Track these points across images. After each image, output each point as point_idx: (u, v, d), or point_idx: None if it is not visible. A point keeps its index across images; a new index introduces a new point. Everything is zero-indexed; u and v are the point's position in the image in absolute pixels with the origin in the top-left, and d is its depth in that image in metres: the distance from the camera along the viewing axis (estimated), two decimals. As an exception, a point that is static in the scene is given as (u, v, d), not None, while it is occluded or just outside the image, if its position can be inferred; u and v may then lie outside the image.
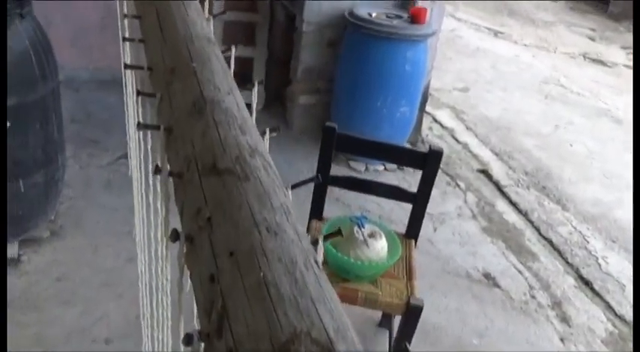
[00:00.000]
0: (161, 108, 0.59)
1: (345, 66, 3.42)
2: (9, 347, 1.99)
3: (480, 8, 7.79)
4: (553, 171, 3.84)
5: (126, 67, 0.70)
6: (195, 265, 0.42)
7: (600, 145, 4.34)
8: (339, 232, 0.55)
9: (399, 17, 3.29)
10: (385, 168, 3.55)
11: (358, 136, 2.05)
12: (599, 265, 2.93)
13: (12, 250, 2.39)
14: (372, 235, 1.90)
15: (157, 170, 0.51)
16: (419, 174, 2.04)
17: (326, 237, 0.51)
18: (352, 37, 3.31)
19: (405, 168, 3.53)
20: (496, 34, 6.89)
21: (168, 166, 0.52)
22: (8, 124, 2.15)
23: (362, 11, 3.30)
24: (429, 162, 1.99)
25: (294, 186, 0.52)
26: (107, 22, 4.00)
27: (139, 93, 0.63)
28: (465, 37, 6.55)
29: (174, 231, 0.44)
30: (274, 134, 0.61)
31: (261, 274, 0.35)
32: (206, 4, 0.83)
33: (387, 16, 3.29)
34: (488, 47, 6.33)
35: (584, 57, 6.53)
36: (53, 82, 2.34)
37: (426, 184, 2.05)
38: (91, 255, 2.49)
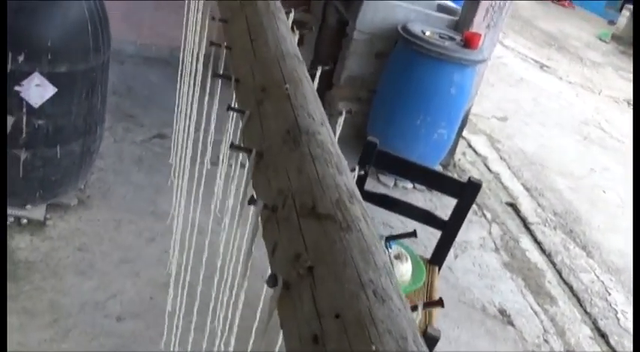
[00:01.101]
0: (250, 127, 0.58)
1: (389, 79, 3.40)
2: (24, 307, 2.01)
3: (529, 39, 7.71)
4: (582, 216, 3.77)
5: (215, 75, 0.68)
6: (291, 317, 0.40)
7: (633, 196, 4.26)
8: (440, 302, 0.53)
9: (452, 39, 3.26)
10: (414, 187, 3.51)
11: (399, 156, 2.03)
12: (618, 319, 2.86)
13: (40, 212, 2.42)
14: (397, 257, 1.88)
15: (252, 200, 0.49)
16: (446, 197, 2.01)
17: (425, 305, 0.49)
18: (402, 51, 3.29)
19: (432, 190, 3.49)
20: (542, 66, 6.80)
21: (253, 192, 0.51)
22: (55, 90, 2.17)
23: (416, 28, 3.27)
24: (466, 192, 1.97)
25: (388, 239, 0.51)
26: (162, 3, 4.03)
27: (229, 108, 0.61)
28: (510, 66, 6.48)
29: (274, 276, 0.42)
30: (362, 173, 0.59)
31: (373, 347, 0.34)
32: (291, 16, 0.82)
33: (440, 36, 3.26)
34: (532, 79, 6.25)
35: (628, 103, 6.41)
36: (104, 56, 2.35)
37: (459, 214, 2.02)
38: (113, 230, 2.51)
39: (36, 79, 2.10)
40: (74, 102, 2.26)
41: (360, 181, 2.04)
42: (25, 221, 2.37)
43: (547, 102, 5.72)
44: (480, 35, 3.19)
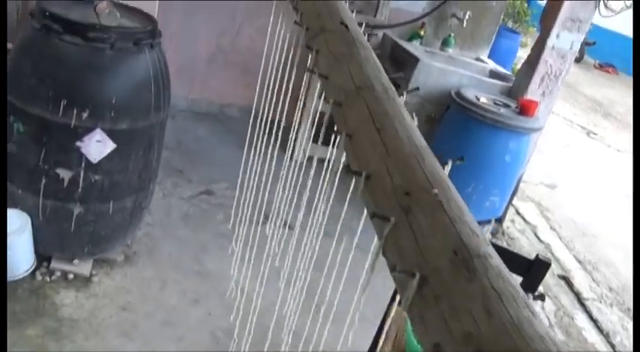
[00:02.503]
0: (397, 239, 0.51)
1: (441, 144, 3.33)
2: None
3: (574, 105, 7.62)
4: (641, 294, 3.55)
5: (350, 170, 0.63)
6: None
7: (694, 274, 4.01)
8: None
9: (507, 106, 3.20)
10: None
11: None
12: (689, 414, 2.62)
13: (86, 268, 2.38)
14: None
15: (434, 346, 0.42)
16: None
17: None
18: (455, 117, 3.24)
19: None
20: (589, 133, 6.68)
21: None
22: (114, 146, 2.17)
23: (469, 93, 3.24)
24: (533, 271, 1.85)
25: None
26: (216, 57, 4.12)
27: (374, 214, 0.55)
28: (557, 132, 6.37)
29: None
30: (540, 301, 0.52)
31: None
32: (403, 98, 0.77)
33: (495, 103, 3.21)
34: (579, 146, 6.12)
35: (680, 173, 6.19)
36: (164, 113, 2.37)
37: (525, 293, 1.90)
38: (157, 289, 2.45)
39: (98, 135, 2.11)
40: (131, 159, 2.26)
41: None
42: (71, 276, 2.34)
43: (596, 171, 5.57)
44: (537, 103, 3.13)
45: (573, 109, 7.35)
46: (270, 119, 1.92)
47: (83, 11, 2.15)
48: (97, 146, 2.14)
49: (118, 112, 2.12)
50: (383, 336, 1.76)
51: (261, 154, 1.75)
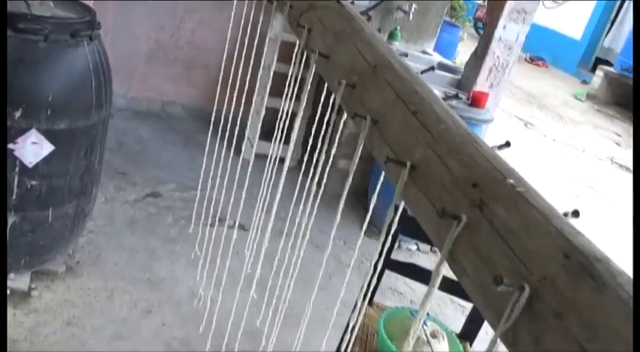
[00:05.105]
0: (475, 241, 0.40)
1: (393, 137, 3.31)
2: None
3: (510, 97, 7.83)
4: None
5: (389, 160, 0.52)
6: None
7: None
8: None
9: (458, 98, 3.20)
10: (418, 248, 3.37)
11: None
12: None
13: (24, 282, 2.18)
14: (434, 335, 1.71)
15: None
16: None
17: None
18: (407, 109, 3.21)
19: (437, 251, 3.35)
20: (526, 124, 6.88)
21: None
22: (52, 148, 1.99)
23: (420, 86, 3.21)
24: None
25: None
26: (155, 53, 3.92)
27: (443, 212, 0.44)
28: (498, 123, 6.52)
29: None
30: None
31: None
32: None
33: (446, 95, 3.20)
34: (518, 138, 6.28)
35: (611, 161, 6.48)
36: (106, 111, 2.20)
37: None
38: (105, 301, 2.27)
39: (33, 136, 1.92)
40: (72, 161, 2.08)
41: (388, 249, 1.89)
42: (7, 292, 2.13)
43: (537, 162, 5.72)
44: (487, 94, 3.15)
45: (510, 101, 7.56)
46: (219, 116, 1.80)
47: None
48: (33, 148, 1.94)
49: (55, 111, 1.93)
50: (351, 336, 1.69)
51: (214, 154, 1.64)
